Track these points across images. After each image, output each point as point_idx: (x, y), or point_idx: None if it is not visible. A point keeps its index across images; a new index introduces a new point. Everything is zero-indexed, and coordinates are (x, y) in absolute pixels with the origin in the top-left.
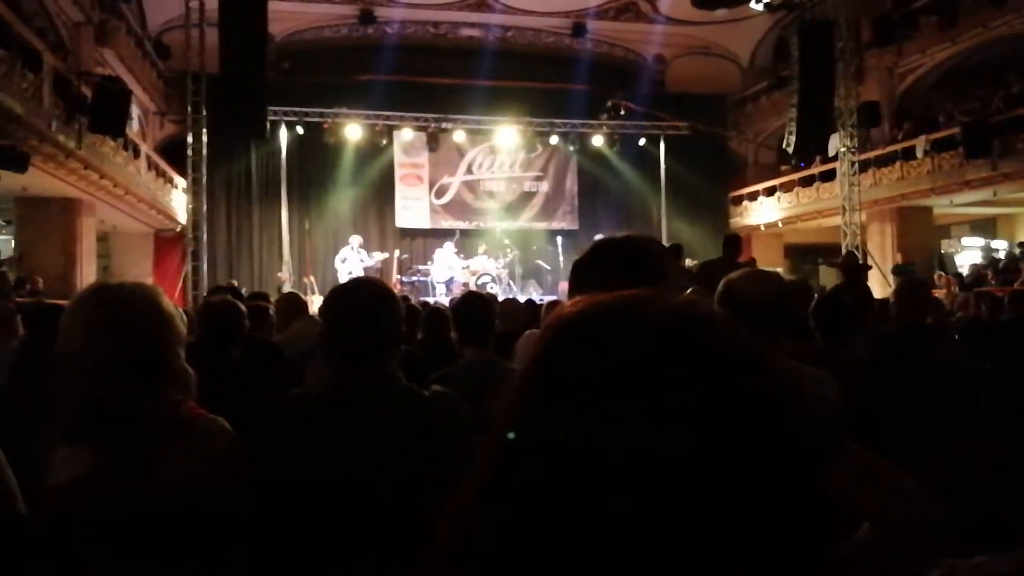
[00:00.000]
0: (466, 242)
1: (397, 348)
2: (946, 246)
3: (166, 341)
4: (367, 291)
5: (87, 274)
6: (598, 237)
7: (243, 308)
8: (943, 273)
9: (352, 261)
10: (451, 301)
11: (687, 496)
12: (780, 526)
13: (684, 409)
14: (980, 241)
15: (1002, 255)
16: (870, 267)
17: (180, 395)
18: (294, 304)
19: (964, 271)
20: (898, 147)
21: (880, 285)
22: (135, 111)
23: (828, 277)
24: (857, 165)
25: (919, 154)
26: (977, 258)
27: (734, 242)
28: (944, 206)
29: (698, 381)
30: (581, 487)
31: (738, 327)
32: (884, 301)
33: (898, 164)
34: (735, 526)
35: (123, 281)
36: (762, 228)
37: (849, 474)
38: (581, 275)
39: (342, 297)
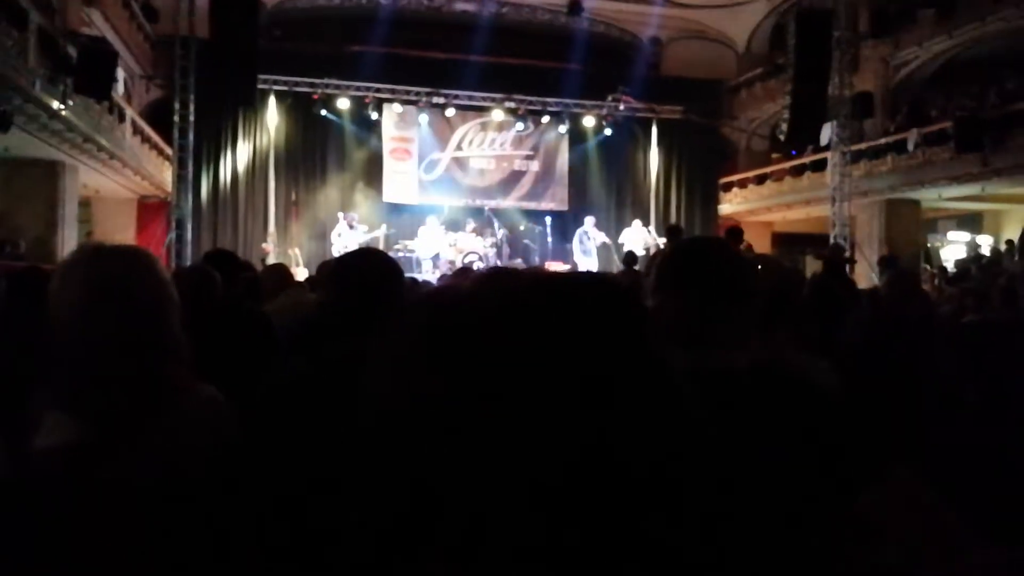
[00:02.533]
0: (453, 219)
1: None
2: (932, 240)
3: (162, 307)
4: (373, 263)
5: (69, 238)
6: (589, 219)
7: (216, 275)
8: (928, 267)
9: (347, 236)
10: (440, 278)
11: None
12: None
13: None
14: (966, 236)
15: (986, 251)
16: (854, 260)
17: (175, 362)
18: (281, 275)
19: (949, 265)
20: (890, 139)
21: (865, 276)
22: (121, 74)
23: (815, 267)
24: (849, 156)
25: (910, 147)
26: (962, 253)
27: (735, 234)
28: (932, 200)
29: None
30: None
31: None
32: (867, 291)
33: (889, 156)
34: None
35: (117, 244)
36: (751, 216)
37: (888, 497)
38: (668, 274)
39: (348, 268)
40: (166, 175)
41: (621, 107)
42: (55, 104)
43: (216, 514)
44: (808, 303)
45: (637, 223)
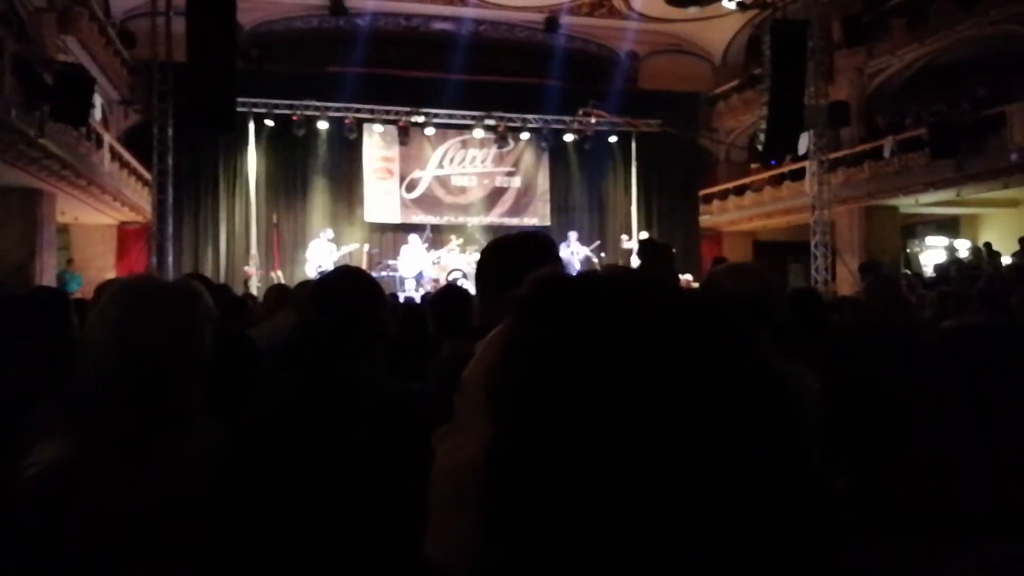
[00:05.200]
0: (436, 237)
1: (382, 344)
2: (911, 246)
3: (189, 344)
4: (354, 284)
5: (47, 266)
6: (572, 233)
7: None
8: (908, 271)
9: (322, 254)
10: (424, 296)
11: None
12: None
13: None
14: (944, 241)
15: (964, 254)
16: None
17: (187, 395)
18: (283, 294)
19: (928, 270)
20: (866, 147)
21: (847, 283)
22: (98, 100)
23: (797, 277)
24: (826, 164)
25: (886, 154)
26: (941, 257)
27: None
28: (910, 205)
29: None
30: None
31: (737, 318)
32: (850, 297)
33: (866, 164)
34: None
35: (162, 279)
36: (732, 225)
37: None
38: (494, 271)
39: (328, 289)
40: (146, 201)
41: (593, 120)
42: (31, 132)
43: (196, 542)
44: (793, 311)
45: (645, 235)
